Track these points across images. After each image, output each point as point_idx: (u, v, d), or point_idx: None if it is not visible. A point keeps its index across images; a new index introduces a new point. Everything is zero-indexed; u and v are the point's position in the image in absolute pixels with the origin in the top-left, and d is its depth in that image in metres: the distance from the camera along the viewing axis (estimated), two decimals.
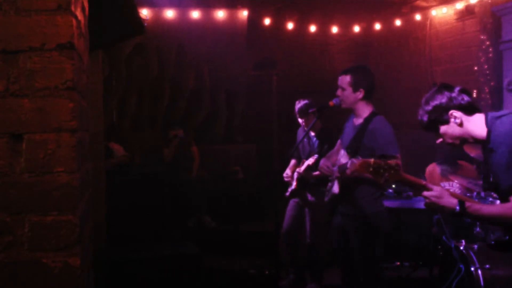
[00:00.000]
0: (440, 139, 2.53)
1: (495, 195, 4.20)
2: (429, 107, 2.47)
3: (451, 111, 2.42)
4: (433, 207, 2.37)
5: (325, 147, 4.62)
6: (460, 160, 5.10)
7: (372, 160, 2.43)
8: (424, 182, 2.43)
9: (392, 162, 2.41)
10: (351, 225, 3.58)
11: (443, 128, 2.46)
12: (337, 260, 3.97)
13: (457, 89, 2.47)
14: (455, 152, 4.56)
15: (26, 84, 1.73)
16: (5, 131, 1.73)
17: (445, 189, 2.41)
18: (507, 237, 2.49)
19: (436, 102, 2.45)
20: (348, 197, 3.53)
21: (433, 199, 2.35)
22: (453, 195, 2.37)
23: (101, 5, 2.62)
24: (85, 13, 2.13)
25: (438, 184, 5.44)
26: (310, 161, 4.60)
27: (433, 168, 5.53)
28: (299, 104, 4.87)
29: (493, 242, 4.01)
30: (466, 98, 2.44)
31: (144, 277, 3.58)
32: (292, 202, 5.00)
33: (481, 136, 2.40)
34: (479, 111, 2.46)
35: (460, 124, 2.42)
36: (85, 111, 2.05)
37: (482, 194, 4.43)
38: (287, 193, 4.98)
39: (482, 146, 2.45)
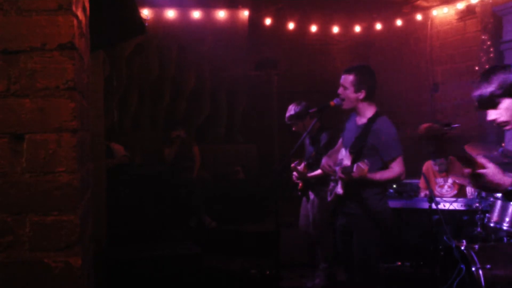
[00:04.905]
0: (495, 117, 2.38)
1: (496, 195, 4.20)
2: (495, 83, 2.33)
3: None
4: (488, 186, 2.26)
5: (322, 147, 4.63)
6: (451, 156, 5.13)
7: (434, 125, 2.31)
8: (480, 160, 2.28)
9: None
10: (355, 224, 3.57)
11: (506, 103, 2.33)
12: (339, 260, 3.96)
13: None
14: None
15: (27, 84, 1.73)
16: (6, 131, 1.73)
17: (498, 167, 2.27)
18: None
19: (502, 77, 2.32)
20: (353, 197, 3.52)
21: (489, 177, 2.23)
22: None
23: (102, 5, 2.62)
24: (86, 13, 2.12)
25: (434, 181, 5.47)
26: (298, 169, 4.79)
27: (429, 165, 5.58)
28: (288, 113, 4.86)
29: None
30: None
31: (144, 277, 3.57)
32: (304, 201, 5.04)
33: None
34: None
35: None
36: (86, 111, 2.04)
37: (483, 194, 4.43)
38: (299, 193, 5.02)
39: None
